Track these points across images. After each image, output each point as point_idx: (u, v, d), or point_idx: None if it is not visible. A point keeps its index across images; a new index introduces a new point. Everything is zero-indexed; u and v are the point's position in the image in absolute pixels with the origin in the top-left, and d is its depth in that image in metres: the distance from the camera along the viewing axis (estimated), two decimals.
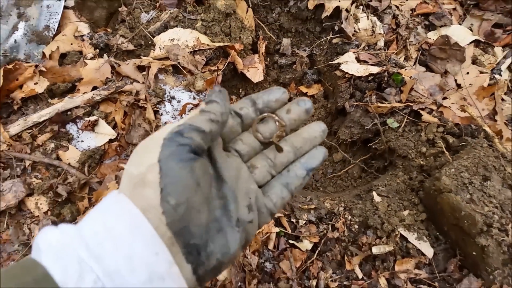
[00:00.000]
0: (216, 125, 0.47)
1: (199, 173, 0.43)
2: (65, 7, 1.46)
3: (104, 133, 1.31)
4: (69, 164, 1.28)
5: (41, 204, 1.25)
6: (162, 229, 0.39)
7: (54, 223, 1.23)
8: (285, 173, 0.54)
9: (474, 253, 1.02)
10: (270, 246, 1.17)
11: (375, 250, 1.13)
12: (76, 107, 1.32)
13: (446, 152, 1.16)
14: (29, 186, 1.26)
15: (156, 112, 1.31)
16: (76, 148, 1.31)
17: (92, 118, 1.31)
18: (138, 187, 0.41)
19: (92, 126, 1.31)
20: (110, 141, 1.30)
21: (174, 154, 0.42)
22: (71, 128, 1.33)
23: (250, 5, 1.48)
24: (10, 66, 1.31)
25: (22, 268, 0.36)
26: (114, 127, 1.31)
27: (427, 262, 1.14)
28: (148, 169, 0.41)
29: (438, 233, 1.14)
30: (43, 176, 1.28)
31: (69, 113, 1.32)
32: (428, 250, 1.13)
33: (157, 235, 0.39)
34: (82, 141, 1.32)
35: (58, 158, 1.30)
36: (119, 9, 1.46)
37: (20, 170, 1.29)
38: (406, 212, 1.16)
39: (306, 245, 1.17)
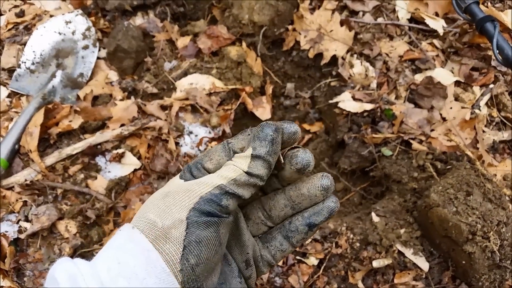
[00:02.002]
0: (257, 189, 0.44)
1: (223, 232, 0.42)
2: (98, 58, 1.68)
3: (130, 164, 1.47)
4: (97, 191, 1.43)
5: (70, 227, 1.38)
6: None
7: (82, 244, 1.36)
8: (286, 225, 0.48)
9: (463, 262, 1.13)
10: (279, 262, 1.29)
11: (375, 264, 1.24)
12: (106, 142, 1.49)
13: (435, 175, 1.31)
14: (60, 211, 1.40)
15: (176, 144, 1.48)
16: (104, 178, 1.46)
17: (119, 151, 1.47)
18: (159, 241, 0.39)
19: (119, 158, 1.47)
20: (135, 170, 1.46)
21: (205, 214, 0.40)
22: (100, 160, 1.49)
23: (259, 55, 1.70)
24: (50, 106, 1.50)
25: None
26: (139, 158, 1.47)
27: (424, 276, 1.25)
28: (174, 224, 0.40)
29: (432, 249, 1.26)
30: (73, 202, 1.42)
31: (99, 146, 1.49)
32: (423, 264, 1.24)
33: (171, 274, 0.38)
34: (109, 171, 1.48)
35: (87, 186, 1.45)
36: (145, 59, 1.67)
37: (52, 197, 1.43)
38: (402, 230, 1.28)
39: (313, 261, 1.28)
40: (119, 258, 0.39)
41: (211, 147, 0.50)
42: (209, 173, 0.47)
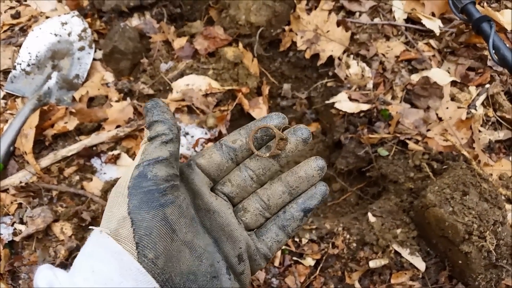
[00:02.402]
0: (173, 143, 0.45)
1: (173, 218, 0.41)
2: (94, 59, 1.67)
3: (125, 165, 1.46)
4: (92, 193, 1.42)
5: (65, 229, 1.37)
6: None
7: (78, 246, 1.35)
8: (281, 215, 0.50)
9: (460, 262, 1.13)
10: (276, 263, 1.28)
11: (372, 264, 1.24)
12: (101, 143, 1.48)
13: (431, 175, 1.30)
14: (55, 213, 1.39)
15: None
16: (100, 179, 1.45)
17: (115, 152, 1.47)
18: None
19: (115, 160, 1.46)
20: None
21: (144, 202, 0.40)
22: (95, 162, 1.49)
23: (255, 56, 1.70)
24: (45, 108, 1.49)
25: None
26: None
27: (421, 276, 1.24)
28: (119, 224, 0.40)
29: (428, 248, 1.25)
30: (68, 204, 1.42)
31: (94, 148, 1.48)
32: (420, 264, 1.24)
33: (146, 273, 0.38)
34: (105, 173, 1.47)
35: (82, 188, 1.44)
36: (141, 60, 1.67)
37: (47, 199, 1.42)
38: (398, 230, 1.27)
39: (309, 261, 1.28)
40: (93, 266, 0.38)
41: (207, 148, 0.51)
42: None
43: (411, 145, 1.39)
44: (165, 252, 0.39)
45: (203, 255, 0.44)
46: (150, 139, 0.45)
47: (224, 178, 0.50)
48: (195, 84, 1.59)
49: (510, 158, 1.38)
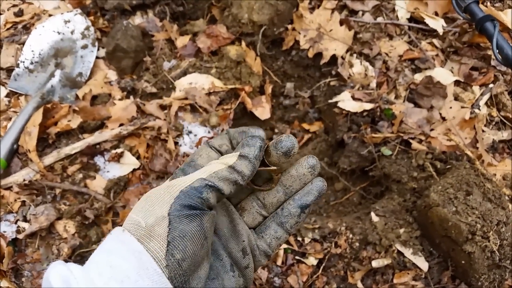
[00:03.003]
0: (239, 186, 0.45)
1: (207, 226, 0.42)
2: (97, 57, 1.67)
3: (128, 164, 1.46)
4: (96, 191, 1.42)
5: (69, 227, 1.38)
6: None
7: (81, 244, 1.35)
8: (279, 212, 0.50)
9: (463, 262, 1.13)
10: (279, 262, 1.28)
11: (374, 263, 1.24)
12: (105, 141, 1.48)
13: (435, 175, 1.31)
14: (59, 211, 1.40)
15: (175, 144, 1.47)
16: (103, 178, 1.46)
17: (118, 151, 1.47)
18: (143, 240, 0.40)
19: (118, 158, 1.47)
20: (134, 170, 1.45)
21: (185, 208, 0.41)
22: (99, 160, 1.49)
23: (258, 54, 1.70)
24: (49, 106, 1.49)
25: None
26: (138, 158, 1.47)
27: (423, 276, 1.24)
28: (157, 221, 0.40)
29: (431, 248, 1.25)
30: (71, 202, 1.42)
31: (97, 146, 1.48)
32: (423, 264, 1.24)
33: (162, 274, 0.38)
34: (108, 171, 1.47)
35: (86, 186, 1.44)
36: (144, 59, 1.67)
37: (51, 197, 1.43)
38: (401, 230, 1.28)
39: (312, 261, 1.28)
40: (111, 261, 0.39)
41: (201, 148, 0.52)
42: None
43: (415, 144, 1.39)
44: (193, 256, 0.40)
45: (210, 257, 0.46)
46: (232, 169, 0.44)
47: None
48: (198, 83, 1.59)
49: None
